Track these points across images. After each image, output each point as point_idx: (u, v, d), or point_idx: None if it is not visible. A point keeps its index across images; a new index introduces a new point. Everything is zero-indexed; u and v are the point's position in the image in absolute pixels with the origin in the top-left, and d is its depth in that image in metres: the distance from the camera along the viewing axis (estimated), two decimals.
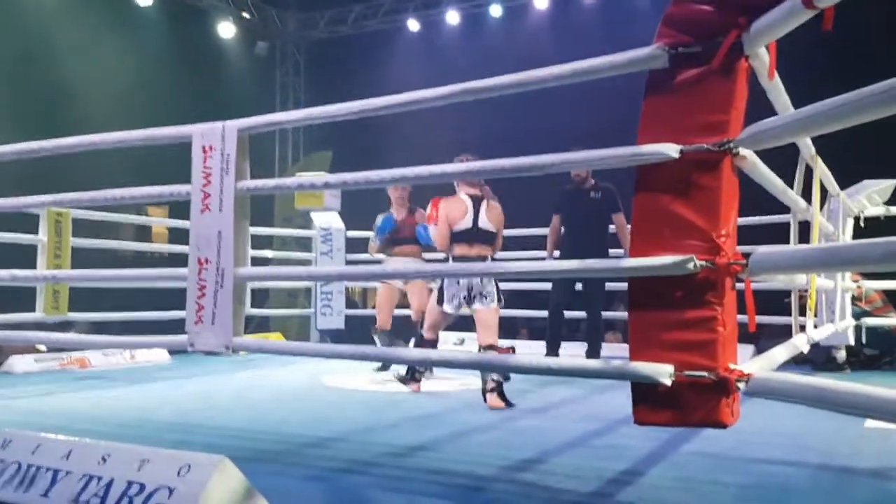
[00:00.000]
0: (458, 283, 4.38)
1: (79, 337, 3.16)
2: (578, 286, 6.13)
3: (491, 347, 4.34)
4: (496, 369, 2.24)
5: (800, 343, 3.02)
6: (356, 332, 8.46)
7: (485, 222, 4.45)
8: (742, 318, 2.17)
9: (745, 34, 1.97)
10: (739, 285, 2.09)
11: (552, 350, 5.95)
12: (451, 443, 3.25)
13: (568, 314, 6.33)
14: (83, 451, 2.20)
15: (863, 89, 1.66)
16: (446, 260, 4.74)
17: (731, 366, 1.99)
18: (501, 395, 4.24)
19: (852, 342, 5.67)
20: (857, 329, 6.03)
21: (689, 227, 2.04)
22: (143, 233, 11.19)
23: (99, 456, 2.16)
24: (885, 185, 6.27)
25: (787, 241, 3.56)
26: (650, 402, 2.08)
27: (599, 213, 5.92)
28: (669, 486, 2.53)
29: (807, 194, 3.36)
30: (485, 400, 4.24)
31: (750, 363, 2.15)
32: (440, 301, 4.46)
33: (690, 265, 1.99)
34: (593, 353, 5.92)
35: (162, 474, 2.04)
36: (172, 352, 6.64)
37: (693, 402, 2.02)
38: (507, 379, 4.34)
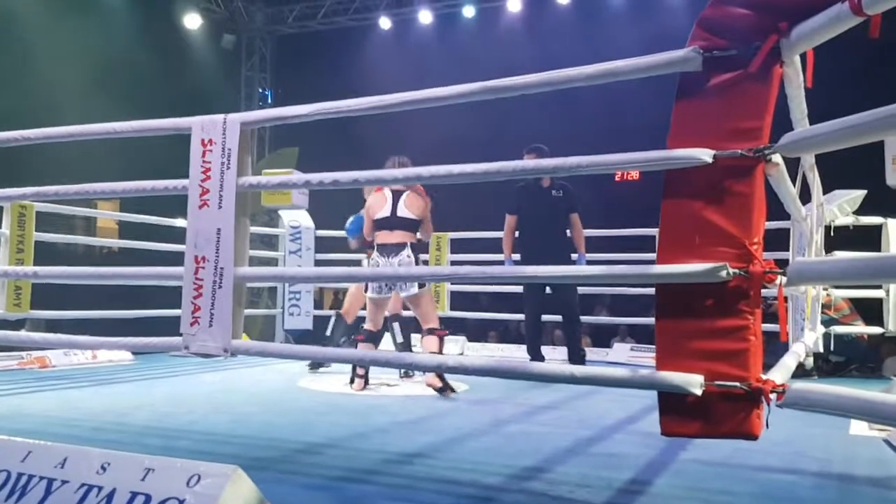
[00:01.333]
0: (378, 266, 4.76)
1: (60, 337, 3.00)
2: (548, 290, 6.04)
3: (432, 330, 4.74)
4: (516, 376, 2.17)
5: (800, 351, 3.03)
6: (321, 332, 8.33)
7: (403, 210, 4.82)
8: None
9: (784, 39, 1.94)
10: None
11: (535, 357, 5.85)
12: (448, 449, 3.18)
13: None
14: (80, 459, 2.06)
15: None
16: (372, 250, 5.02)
17: (763, 376, 1.96)
18: (440, 375, 4.46)
19: (822, 349, 5.77)
20: (826, 336, 6.13)
21: (720, 234, 2.00)
22: (91, 226, 10.88)
23: (98, 464, 2.03)
24: (854, 195, 6.41)
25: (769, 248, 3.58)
26: (678, 412, 2.04)
27: (558, 212, 5.83)
28: (682, 497, 2.49)
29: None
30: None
31: (770, 374, 2.13)
32: (365, 289, 4.89)
33: (724, 273, 1.96)
34: (575, 357, 5.87)
35: (169, 485, 1.92)
36: (135, 351, 6.42)
37: (723, 413, 1.98)
38: None
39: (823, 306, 6.22)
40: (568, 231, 5.93)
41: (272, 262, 8.36)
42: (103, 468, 2.02)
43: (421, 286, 4.70)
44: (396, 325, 5.72)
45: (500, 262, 6.28)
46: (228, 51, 11.73)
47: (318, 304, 11.13)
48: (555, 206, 5.80)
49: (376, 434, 3.48)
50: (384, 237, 4.81)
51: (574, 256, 5.95)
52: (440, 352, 4.77)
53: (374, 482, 2.59)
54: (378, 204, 4.88)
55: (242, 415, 3.95)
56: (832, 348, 6.32)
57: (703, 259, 2.00)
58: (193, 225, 2.67)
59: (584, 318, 7.32)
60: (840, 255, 5.60)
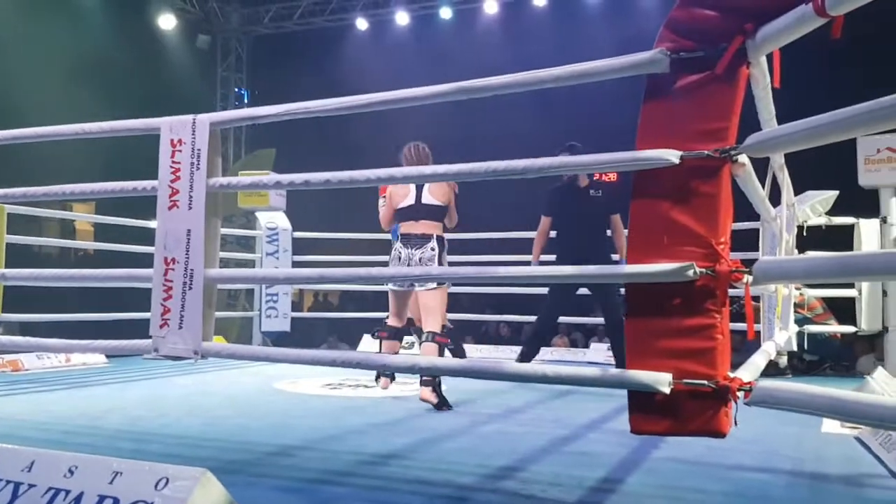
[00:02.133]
0: (399, 260, 4.47)
1: (30, 340, 2.96)
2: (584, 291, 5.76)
3: (433, 336, 4.36)
4: (490, 376, 2.17)
5: (770, 349, 3.06)
6: (299, 334, 8.31)
7: (428, 197, 4.42)
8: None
9: (750, 41, 1.96)
10: None
11: (531, 355, 5.50)
12: (423, 450, 3.18)
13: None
14: (47, 463, 2.04)
15: (878, 101, 1.66)
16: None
17: (731, 374, 1.98)
18: (436, 390, 4.22)
19: (795, 348, 5.83)
20: (800, 335, 6.20)
21: (688, 234, 2.02)
22: (67, 229, 10.77)
23: (65, 467, 2.01)
24: (827, 196, 6.49)
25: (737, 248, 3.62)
26: (647, 410, 2.05)
27: (598, 212, 5.40)
28: (654, 495, 2.51)
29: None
30: None
31: (738, 372, 2.15)
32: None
33: (691, 272, 1.97)
34: (622, 361, 5.64)
35: (137, 488, 1.90)
36: (108, 354, 6.37)
37: (691, 411, 2.00)
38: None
39: (796, 305, 6.29)
40: (608, 232, 5.53)
41: (249, 264, 8.33)
42: (71, 471, 2.00)
43: (441, 283, 4.43)
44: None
45: (486, 264, 6.27)
46: (204, 51, 11.66)
47: (298, 307, 11.11)
48: (593, 207, 5.41)
49: (351, 436, 3.47)
50: (408, 227, 4.49)
51: (615, 258, 5.62)
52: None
53: (348, 484, 2.58)
54: (401, 192, 4.49)
55: (216, 418, 3.92)
56: (806, 347, 6.39)
57: (670, 259, 2.01)
58: (163, 226, 2.65)
59: (565, 320, 7.35)
60: (812, 255, 5.67)
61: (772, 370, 6.35)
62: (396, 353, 4.70)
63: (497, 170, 2.27)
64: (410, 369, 2.35)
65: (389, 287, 4.66)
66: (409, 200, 4.46)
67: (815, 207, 6.35)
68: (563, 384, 3.23)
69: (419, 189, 4.43)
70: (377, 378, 5.11)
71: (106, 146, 4.22)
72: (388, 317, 4.75)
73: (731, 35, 1.97)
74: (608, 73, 2.17)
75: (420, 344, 4.72)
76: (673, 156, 2.02)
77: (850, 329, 6.40)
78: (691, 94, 2.04)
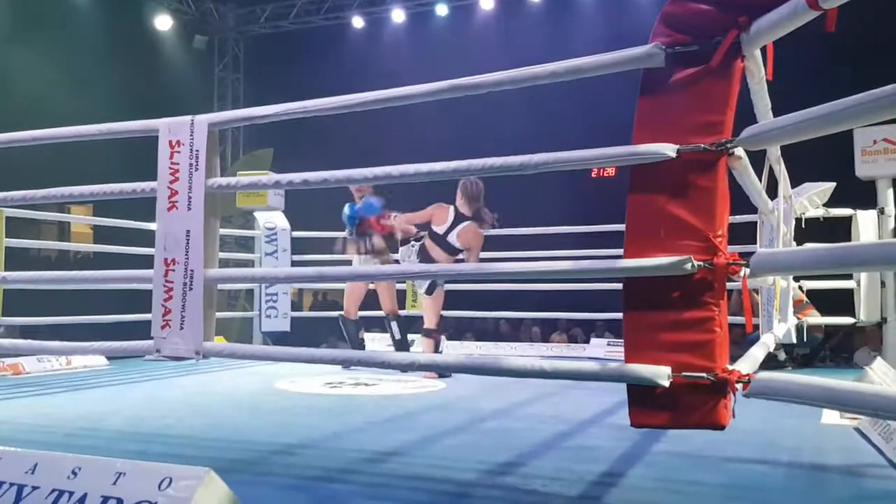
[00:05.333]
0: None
1: (31, 343, 2.97)
2: None
3: (429, 332, 5.37)
4: (487, 372, 2.19)
5: (769, 342, 3.07)
6: (300, 334, 8.31)
7: (453, 236, 5.28)
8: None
9: (744, 34, 1.97)
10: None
11: None
12: (424, 447, 3.19)
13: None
14: (50, 464, 2.05)
15: (872, 92, 1.67)
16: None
17: (729, 367, 1.99)
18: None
19: (795, 340, 5.84)
20: (798, 328, 6.21)
21: (685, 228, 2.03)
22: (64, 231, 10.77)
23: (69, 469, 2.02)
24: (824, 188, 6.49)
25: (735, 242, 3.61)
26: (647, 404, 2.06)
27: None
28: (654, 488, 2.52)
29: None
30: None
31: (736, 365, 2.16)
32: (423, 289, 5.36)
33: (688, 265, 1.98)
34: None
35: (141, 488, 1.91)
36: (109, 356, 6.37)
37: (691, 404, 2.01)
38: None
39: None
40: None
41: (248, 264, 8.32)
42: (74, 473, 2.01)
43: (431, 289, 5.23)
44: (395, 324, 5.98)
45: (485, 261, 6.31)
46: (201, 52, 11.65)
47: (298, 306, 11.12)
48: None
49: (352, 434, 3.48)
50: (430, 247, 5.33)
51: None
52: (435, 352, 5.28)
53: (350, 481, 2.59)
54: (440, 218, 5.32)
55: (218, 417, 3.93)
56: (799, 340, 6.40)
57: (668, 252, 2.02)
58: (162, 227, 2.66)
59: (564, 315, 7.38)
60: (808, 247, 5.68)
61: (772, 363, 6.38)
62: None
63: (493, 166, 2.28)
64: (410, 366, 2.36)
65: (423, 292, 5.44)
66: (442, 230, 5.30)
67: (812, 199, 6.36)
68: (562, 379, 3.24)
69: (452, 226, 5.27)
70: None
71: (106, 147, 4.21)
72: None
73: (725, 29, 1.98)
74: (604, 69, 2.18)
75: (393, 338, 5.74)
76: (669, 150, 2.03)
77: (848, 320, 6.42)
78: (687, 87, 2.05)
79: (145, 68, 10.65)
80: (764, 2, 1.92)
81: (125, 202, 3.09)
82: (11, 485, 2.02)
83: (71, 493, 1.95)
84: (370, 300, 6.54)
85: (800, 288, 6.40)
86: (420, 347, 5.43)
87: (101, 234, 9.52)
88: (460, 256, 5.37)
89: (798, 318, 6.30)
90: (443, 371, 4.47)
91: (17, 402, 4.49)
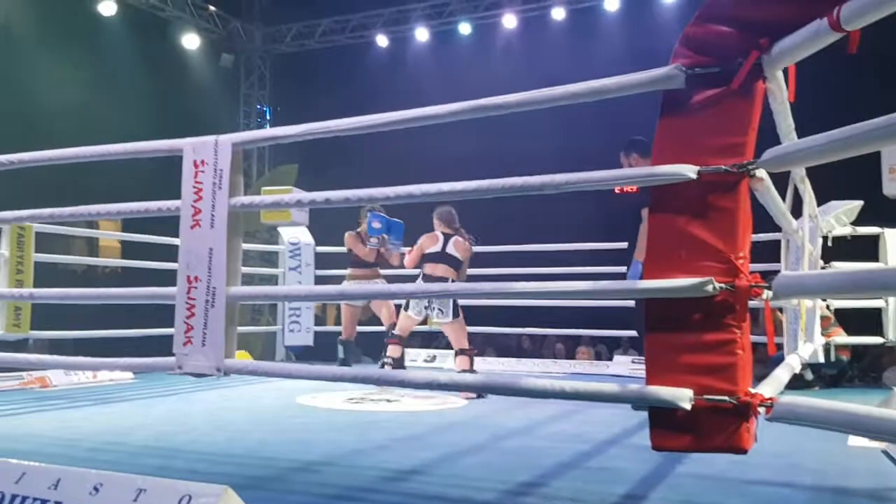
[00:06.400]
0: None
1: (61, 358, 3.01)
2: None
3: (463, 350, 5.59)
4: (506, 392, 2.18)
5: (794, 363, 3.03)
6: (323, 349, 8.34)
7: (451, 248, 5.68)
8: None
9: (765, 56, 1.97)
10: None
11: None
12: (445, 465, 3.18)
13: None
14: (73, 480, 2.07)
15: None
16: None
17: (752, 390, 1.97)
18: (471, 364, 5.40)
19: (822, 360, 5.76)
20: (826, 348, 6.11)
21: (706, 249, 2.02)
22: (93, 246, 10.91)
23: (90, 485, 2.04)
24: (851, 206, 6.43)
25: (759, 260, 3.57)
26: (668, 426, 2.04)
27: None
28: None
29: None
30: None
31: (760, 387, 2.14)
32: (406, 307, 5.67)
33: (709, 287, 1.97)
34: None
35: None
36: (145, 371, 6.43)
37: (713, 427, 1.99)
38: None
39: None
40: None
41: (273, 279, 8.39)
42: (96, 489, 2.03)
43: (455, 316, 5.56)
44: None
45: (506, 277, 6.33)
46: (227, 70, 11.81)
47: (322, 321, 11.15)
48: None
49: (374, 451, 3.48)
50: (431, 268, 5.62)
51: None
52: (471, 368, 5.55)
53: (368, 500, 2.59)
54: (431, 241, 5.71)
55: (239, 433, 3.95)
56: (827, 360, 6.30)
57: (689, 274, 2.01)
58: (186, 245, 2.69)
59: (589, 332, 7.33)
60: (838, 266, 5.61)
61: (799, 383, 6.29)
62: (402, 355, 5.77)
63: (514, 186, 2.28)
64: (429, 385, 2.36)
65: (409, 313, 5.64)
66: (437, 248, 5.65)
67: (839, 218, 6.29)
68: (581, 400, 3.21)
69: (446, 241, 5.66)
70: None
71: (136, 164, 4.28)
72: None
73: (746, 50, 1.97)
74: (624, 90, 2.18)
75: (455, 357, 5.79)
76: (690, 171, 2.03)
77: (877, 340, 6.31)
78: (708, 109, 2.04)
79: (173, 86, 10.79)
80: (786, 23, 1.91)
81: (152, 217, 3.14)
82: (35, 500, 2.05)
83: None
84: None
85: (827, 307, 6.31)
86: (458, 366, 5.62)
87: (129, 249, 9.62)
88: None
89: (825, 339, 6.21)
90: (463, 391, 4.55)
91: (44, 415, 4.55)
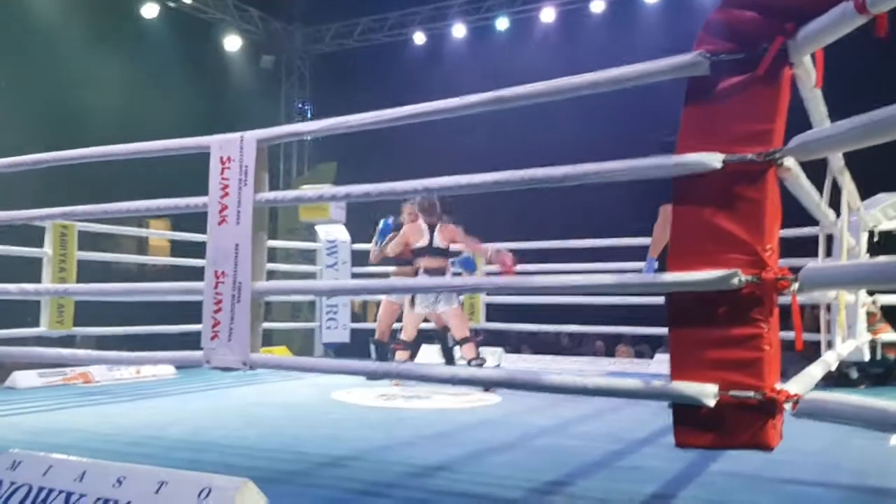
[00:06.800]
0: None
1: (93, 353, 3.08)
2: None
3: (465, 339, 5.63)
4: (528, 388, 2.15)
5: (830, 360, 2.94)
6: (361, 345, 8.38)
7: (437, 240, 5.69)
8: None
9: (791, 41, 1.90)
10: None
11: None
12: (472, 463, 3.16)
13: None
14: (97, 473, 2.11)
15: None
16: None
17: (778, 386, 1.91)
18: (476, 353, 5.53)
19: (868, 359, 5.58)
20: (871, 346, 5.92)
21: (732, 241, 1.96)
22: (143, 245, 11.11)
23: (114, 478, 2.07)
24: None
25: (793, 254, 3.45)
26: (692, 423, 1.99)
27: None
28: None
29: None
30: None
31: (790, 383, 2.07)
32: (412, 304, 5.69)
33: (735, 280, 1.92)
34: None
35: (181, 498, 1.95)
36: (177, 365, 6.55)
37: (738, 424, 1.93)
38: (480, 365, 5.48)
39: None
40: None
41: (311, 276, 8.44)
42: (119, 482, 2.06)
43: (459, 303, 5.56)
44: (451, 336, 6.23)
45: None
46: (268, 71, 11.94)
47: (361, 318, 11.21)
48: None
49: (401, 447, 3.48)
50: (428, 262, 5.65)
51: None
52: (477, 355, 5.59)
53: (392, 496, 2.58)
54: (416, 234, 5.70)
55: (272, 428, 3.99)
56: (872, 359, 6.09)
57: (714, 266, 1.96)
58: (213, 241, 2.72)
59: (630, 330, 7.24)
60: (861, 260, 5.41)
61: (845, 382, 6.10)
62: (410, 359, 5.81)
63: (536, 177, 2.25)
64: (451, 380, 2.34)
65: (417, 310, 5.69)
66: (424, 243, 5.66)
67: (886, 211, 6.07)
68: (604, 396, 3.17)
69: (431, 233, 5.66)
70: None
71: (177, 162, 4.35)
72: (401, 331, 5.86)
73: (771, 36, 1.91)
74: (647, 77, 2.13)
75: (459, 347, 5.84)
76: (715, 160, 1.97)
77: None
78: (733, 96, 1.99)
79: (215, 88, 10.94)
80: (811, 8, 1.85)
81: (202, 216, 3.17)
82: (60, 492, 2.09)
83: (115, 502, 2.01)
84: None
85: (874, 303, 6.11)
86: (465, 354, 5.67)
87: (177, 247, 9.78)
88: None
89: (871, 336, 6.02)
90: (482, 386, 4.62)
91: (86, 410, 4.65)
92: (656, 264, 5.31)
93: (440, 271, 5.65)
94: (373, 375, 2.53)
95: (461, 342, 5.70)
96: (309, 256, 9.48)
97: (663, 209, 5.26)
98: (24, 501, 2.11)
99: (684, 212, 2.04)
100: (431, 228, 5.72)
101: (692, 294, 2.00)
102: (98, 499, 2.02)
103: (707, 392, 1.93)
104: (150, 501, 1.97)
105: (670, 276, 2.02)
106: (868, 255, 5.09)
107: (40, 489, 2.12)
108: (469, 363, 5.59)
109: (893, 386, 6.19)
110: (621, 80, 2.14)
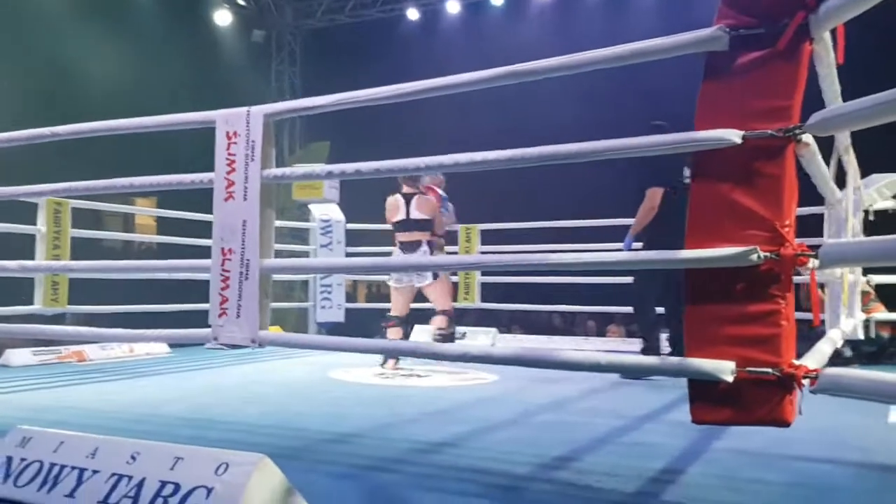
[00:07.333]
0: None
1: (97, 330, 3.04)
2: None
3: (444, 312, 5.59)
4: (543, 365, 2.14)
5: (836, 337, 2.95)
6: (354, 325, 8.37)
7: (415, 213, 5.51)
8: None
9: (812, 16, 1.89)
10: None
11: (654, 349, 5.31)
12: (476, 439, 3.16)
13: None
14: (110, 449, 2.09)
15: None
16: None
17: (795, 362, 1.92)
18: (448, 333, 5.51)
19: (862, 336, 5.63)
20: (865, 324, 5.97)
21: (751, 217, 1.95)
22: (129, 224, 11.04)
23: (128, 454, 2.05)
24: (893, 179, 6.23)
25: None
26: (709, 399, 1.99)
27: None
28: (713, 485, 2.45)
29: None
30: None
31: (805, 359, 2.07)
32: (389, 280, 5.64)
33: (754, 256, 1.91)
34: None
35: (198, 473, 1.93)
36: (171, 344, 6.52)
37: (755, 400, 1.93)
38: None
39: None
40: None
41: (304, 255, 8.40)
42: (133, 458, 2.04)
43: (434, 276, 5.45)
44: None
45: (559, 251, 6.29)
46: (259, 46, 11.81)
47: (352, 298, 11.20)
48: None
49: (405, 424, 3.48)
50: (403, 237, 5.53)
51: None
52: (447, 327, 5.58)
53: (401, 471, 2.58)
54: (393, 209, 5.58)
55: (273, 405, 3.97)
56: (866, 337, 6.15)
57: (733, 242, 1.95)
58: (219, 217, 2.68)
59: (620, 309, 7.26)
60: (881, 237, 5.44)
61: (838, 360, 6.16)
62: (403, 338, 5.72)
63: (544, 154, 2.23)
64: (462, 357, 2.33)
65: (392, 284, 5.62)
66: (401, 216, 5.52)
67: (881, 191, 6.10)
68: (618, 373, 3.17)
69: (408, 206, 5.49)
70: (383, 363, 5.55)
71: (173, 139, 4.28)
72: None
73: (792, 10, 1.90)
74: (666, 52, 2.11)
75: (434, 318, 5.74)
76: (735, 136, 1.96)
77: None
78: (752, 72, 1.97)
79: (206, 63, 10.83)
80: None
81: (187, 194, 3.13)
82: (73, 468, 2.06)
83: (130, 478, 1.98)
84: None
85: (867, 283, 6.16)
86: (435, 325, 5.65)
87: (164, 226, 9.72)
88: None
89: (865, 315, 6.06)
90: (496, 363, 4.46)
91: (81, 388, 4.62)
92: (632, 244, 5.35)
93: (414, 245, 5.49)
94: (381, 353, 2.51)
95: (438, 313, 5.62)
96: (299, 235, 9.42)
97: (651, 192, 5.28)
98: (36, 478, 2.09)
99: (703, 188, 2.03)
100: (408, 200, 5.54)
101: (710, 270, 1.99)
102: (112, 474, 2.00)
103: (724, 368, 1.93)
104: (165, 477, 1.94)
105: (689, 253, 2.01)
106: (863, 234, 5.12)
107: (52, 465, 2.09)
108: (434, 334, 5.57)
109: (886, 364, 6.26)
110: (640, 54, 2.12)
